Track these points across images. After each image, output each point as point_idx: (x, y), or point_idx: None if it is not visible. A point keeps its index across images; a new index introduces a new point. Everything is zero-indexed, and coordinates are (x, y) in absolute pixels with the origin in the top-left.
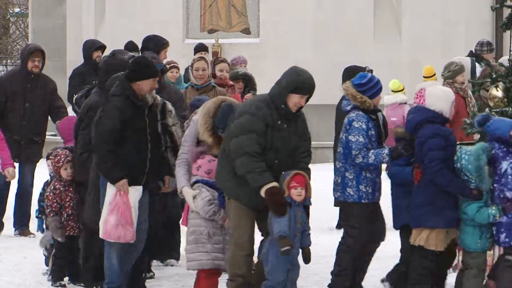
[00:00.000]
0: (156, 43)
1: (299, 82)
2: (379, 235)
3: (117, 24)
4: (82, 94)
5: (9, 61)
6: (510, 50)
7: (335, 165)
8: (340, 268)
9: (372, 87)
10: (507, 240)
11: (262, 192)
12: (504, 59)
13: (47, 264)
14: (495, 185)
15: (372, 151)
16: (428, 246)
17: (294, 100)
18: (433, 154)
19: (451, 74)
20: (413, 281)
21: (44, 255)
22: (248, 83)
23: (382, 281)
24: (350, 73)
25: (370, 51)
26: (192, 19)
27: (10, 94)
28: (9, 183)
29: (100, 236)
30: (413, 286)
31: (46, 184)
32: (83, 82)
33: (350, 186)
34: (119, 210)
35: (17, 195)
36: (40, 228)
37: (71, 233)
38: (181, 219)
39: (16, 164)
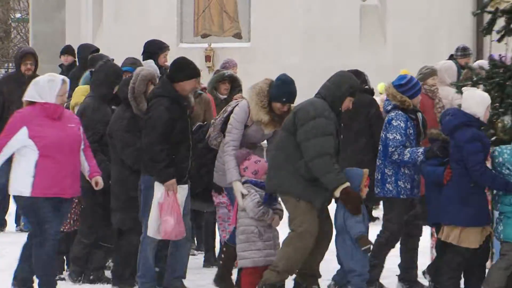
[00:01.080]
0: (156, 47)
1: (355, 86)
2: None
3: (113, 29)
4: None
5: (10, 64)
6: (489, 54)
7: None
8: (377, 261)
9: (411, 88)
10: None
11: (337, 192)
12: (484, 62)
13: None
14: None
15: (408, 149)
16: (461, 244)
17: (346, 104)
18: (475, 158)
19: (421, 77)
20: (445, 276)
21: None
22: (234, 84)
23: (423, 273)
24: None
25: (356, 55)
26: (185, 24)
27: (6, 96)
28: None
29: (159, 236)
30: (445, 281)
31: None
32: (77, 85)
33: (389, 182)
34: (173, 209)
35: None
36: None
37: (68, 229)
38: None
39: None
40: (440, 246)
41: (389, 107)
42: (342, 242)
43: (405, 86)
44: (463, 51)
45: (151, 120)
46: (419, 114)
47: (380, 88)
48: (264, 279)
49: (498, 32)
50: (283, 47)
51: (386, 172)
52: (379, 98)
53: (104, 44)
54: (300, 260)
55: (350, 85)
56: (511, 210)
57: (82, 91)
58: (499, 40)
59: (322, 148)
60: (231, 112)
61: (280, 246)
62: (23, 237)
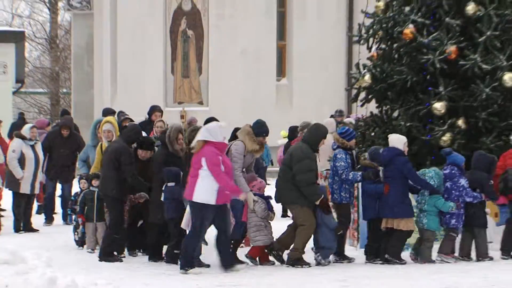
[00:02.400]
0: (151, 109)
1: (325, 132)
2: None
3: (123, 98)
4: None
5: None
6: (356, 114)
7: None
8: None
9: (348, 135)
10: (455, 224)
11: (317, 202)
12: (351, 119)
13: (77, 244)
14: (453, 192)
15: (352, 172)
16: (403, 228)
17: (321, 144)
18: (412, 172)
19: (300, 128)
20: (393, 249)
21: (75, 239)
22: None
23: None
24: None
25: (274, 115)
26: (168, 95)
27: (52, 144)
28: (54, 190)
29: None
30: (394, 253)
31: (76, 194)
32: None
33: (336, 193)
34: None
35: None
36: (70, 220)
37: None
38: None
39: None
40: (374, 234)
41: (334, 147)
42: (320, 230)
43: (344, 134)
44: (339, 113)
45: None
46: (353, 151)
47: (283, 134)
48: (292, 257)
49: (361, 100)
50: (229, 110)
51: (334, 187)
52: (280, 141)
53: (118, 107)
54: (307, 241)
55: (322, 132)
56: (433, 209)
57: (107, 120)
58: (362, 106)
59: (309, 179)
60: (228, 150)
61: (279, 235)
62: (66, 228)
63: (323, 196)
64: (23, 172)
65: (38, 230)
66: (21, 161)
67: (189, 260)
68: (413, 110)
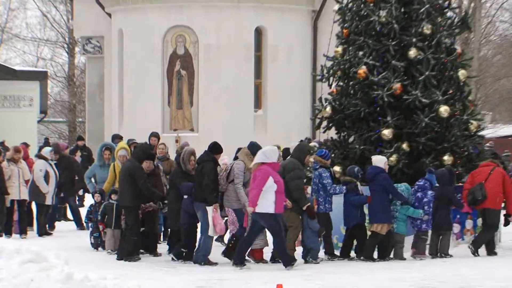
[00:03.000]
0: (151, 134)
1: (309, 150)
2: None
3: (128, 127)
4: None
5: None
6: (319, 139)
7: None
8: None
9: (326, 156)
10: (426, 227)
11: (305, 207)
12: (315, 143)
13: (92, 246)
14: (424, 200)
15: (338, 186)
16: (380, 231)
17: (307, 159)
18: (392, 186)
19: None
20: (369, 249)
21: (91, 242)
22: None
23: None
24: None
25: (253, 138)
26: (166, 123)
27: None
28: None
29: (215, 234)
30: (369, 252)
31: (92, 206)
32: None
33: (321, 204)
34: (217, 219)
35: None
36: (87, 227)
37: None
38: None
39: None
40: (348, 238)
41: (317, 167)
42: (305, 232)
43: (323, 155)
44: (308, 140)
45: (207, 171)
46: (331, 169)
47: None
48: (288, 253)
49: (323, 128)
50: (215, 136)
51: (320, 200)
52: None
53: (124, 134)
54: (296, 239)
55: (307, 150)
56: (402, 217)
57: (121, 146)
58: (324, 132)
59: (298, 185)
60: (231, 169)
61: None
62: (79, 232)
63: (309, 203)
64: (47, 187)
65: (51, 234)
66: (46, 178)
67: (243, 258)
68: (366, 136)
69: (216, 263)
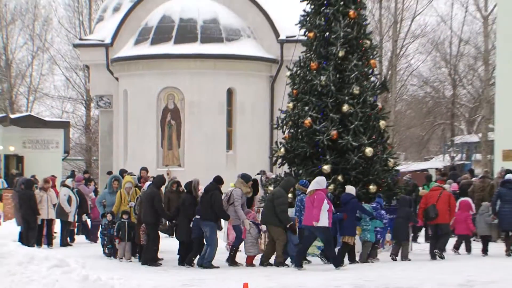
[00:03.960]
0: (141, 169)
1: (294, 182)
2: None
3: (131, 164)
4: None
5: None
6: (275, 173)
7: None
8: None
9: (306, 185)
10: (380, 237)
11: (288, 225)
12: (271, 175)
13: (107, 256)
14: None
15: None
16: (349, 242)
17: (290, 189)
18: (362, 207)
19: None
20: (340, 256)
21: (105, 252)
22: (179, 184)
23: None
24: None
25: (225, 173)
26: (159, 161)
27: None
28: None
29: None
30: (338, 258)
31: (105, 224)
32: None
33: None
34: (230, 230)
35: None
36: (102, 240)
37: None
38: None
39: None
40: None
41: (300, 193)
42: (288, 245)
43: (304, 185)
44: (263, 172)
45: (216, 198)
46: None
47: (232, 185)
48: (277, 261)
49: (278, 164)
50: (197, 170)
51: (300, 218)
52: (230, 189)
53: (128, 168)
54: (283, 249)
55: (292, 183)
56: (372, 229)
57: (127, 179)
58: (279, 167)
59: (283, 209)
60: (231, 194)
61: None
62: (91, 244)
63: (292, 222)
64: (70, 208)
65: (72, 245)
66: (68, 201)
67: (300, 262)
68: (311, 170)
69: (218, 267)
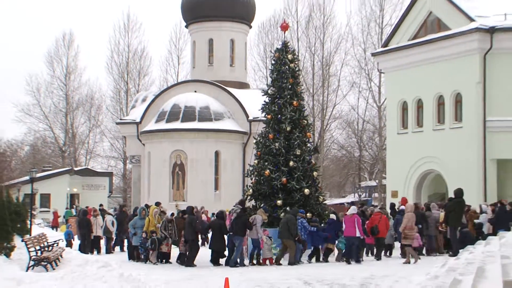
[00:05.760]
0: (155, 203)
1: (297, 211)
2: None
3: (152, 199)
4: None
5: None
6: (247, 206)
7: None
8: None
9: (303, 212)
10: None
11: (297, 238)
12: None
13: (144, 261)
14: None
15: (310, 227)
16: (332, 248)
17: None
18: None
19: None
20: (327, 256)
21: (141, 258)
22: (184, 213)
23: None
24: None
25: (216, 207)
26: (170, 197)
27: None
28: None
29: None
30: (327, 257)
31: (142, 241)
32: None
33: (302, 235)
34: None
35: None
36: (141, 250)
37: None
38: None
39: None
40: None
41: (300, 218)
42: (296, 250)
43: (302, 212)
44: (240, 204)
45: (241, 220)
46: (305, 218)
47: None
48: (290, 261)
49: (248, 199)
50: (196, 203)
51: (302, 233)
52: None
53: (150, 202)
54: (295, 254)
55: (296, 211)
56: (343, 241)
57: (153, 208)
58: (249, 202)
59: (295, 228)
60: (254, 218)
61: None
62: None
63: (299, 235)
64: (113, 228)
65: (113, 253)
66: (112, 224)
67: (357, 256)
68: (269, 204)
69: (245, 265)
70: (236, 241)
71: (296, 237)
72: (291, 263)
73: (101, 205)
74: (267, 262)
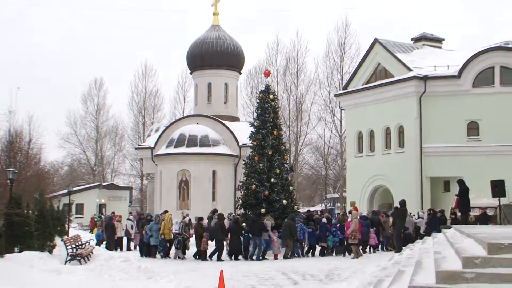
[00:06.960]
0: (163, 211)
1: (295, 219)
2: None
3: (163, 208)
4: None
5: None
6: (238, 215)
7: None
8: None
9: (301, 217)
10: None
11: (296, 238)
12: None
13: (161, 257)
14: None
15: (307, 228)
16: (325, 245)
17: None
18: (328, 228)
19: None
20: (323, 252)
21: (161, 255)
22: (189, 222)
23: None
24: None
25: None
26: (178, 206)
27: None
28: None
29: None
30: (323, 253)
31: (160, 240)
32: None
33: (300, 236)
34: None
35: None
36: (159, 249)
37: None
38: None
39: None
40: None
41: (298, 223)
42: (295, 247)
43: (300, 218)
44: (230, 213)
45: (258, 224)
46: (302, 222)
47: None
48: (286, 255)
49: (239, 209)
50: (197, 213)
51: (300, 233)
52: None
53: (162, 210)
54: (291, 251)
55: (294, 217)
56: (332, 240)
57: (168, 215)
58: (239, 210)
59: (295, 230)
60: (263, 223)
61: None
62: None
63: (298, 236)
64: (132, 231)
65: (132, 250)
66: (132, 227)
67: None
68: (255, 212)
69: (267, 259)
70: (255, 240)
71: (295, 238)
72: (286, 257)
73: (130, 213)
74: (278, 257)
